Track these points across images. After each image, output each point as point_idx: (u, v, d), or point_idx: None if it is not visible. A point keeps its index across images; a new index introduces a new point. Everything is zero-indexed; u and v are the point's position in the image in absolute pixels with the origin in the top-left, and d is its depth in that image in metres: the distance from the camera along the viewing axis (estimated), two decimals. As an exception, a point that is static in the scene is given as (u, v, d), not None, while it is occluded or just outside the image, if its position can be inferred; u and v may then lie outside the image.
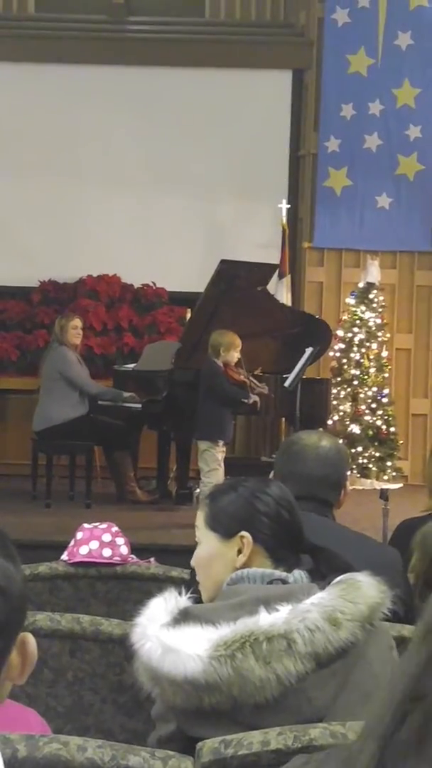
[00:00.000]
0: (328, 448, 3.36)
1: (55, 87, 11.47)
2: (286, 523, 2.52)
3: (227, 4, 11.76)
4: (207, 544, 2.53)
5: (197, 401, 8.60)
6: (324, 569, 2.45)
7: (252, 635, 2.17)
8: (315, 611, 2.20)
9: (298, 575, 2.44)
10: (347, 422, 10.56)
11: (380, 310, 10.86)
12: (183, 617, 2.26)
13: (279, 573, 2.44)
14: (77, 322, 9.36)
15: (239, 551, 2.48)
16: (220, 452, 8.41)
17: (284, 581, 2.41)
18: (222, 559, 2.50)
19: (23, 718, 1.99)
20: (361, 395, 10.62)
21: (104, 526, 4.03)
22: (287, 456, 3.36)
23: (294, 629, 2.18)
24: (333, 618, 2.21)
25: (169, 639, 2.20)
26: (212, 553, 2.52)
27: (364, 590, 2.28)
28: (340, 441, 10.22)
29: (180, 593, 2.35)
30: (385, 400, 10.60)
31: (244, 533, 2.48)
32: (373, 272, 10.89)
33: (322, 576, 2.42)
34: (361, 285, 10.94)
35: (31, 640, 1.49)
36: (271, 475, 3.34)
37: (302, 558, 2.53)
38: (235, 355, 8.49)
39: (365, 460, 10.40)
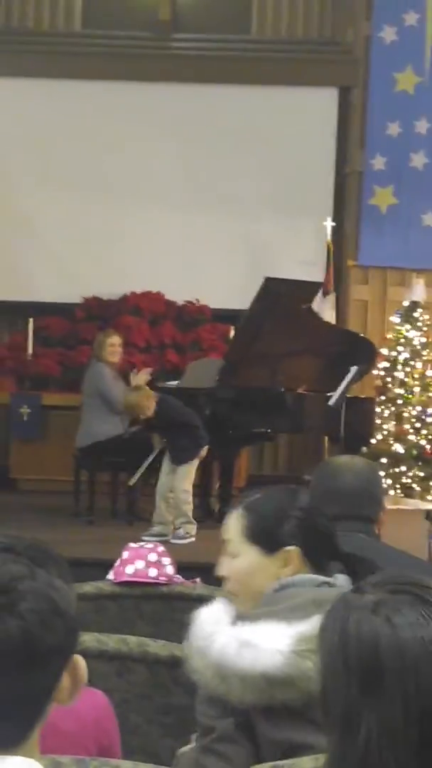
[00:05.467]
0: (362, 465, 3.42)
1: (101, 104, 11.51)
2: (323, 530, 2.54)
3: (274, 22, 11.76)
4: (247, 557, 2.52)
5: (241, 419, 8.59)
6: (359, 574, 2.44)
7: None
8: None
9: (342, 579, 2.46)
10: (391, 441, 10.49)
11: (425, 328, 10.80)
12: (241, 620, 2.25)
13: (324, 578, 2.45)
14: (115, 339, 9.37)
15: (284, 563, 2.48)
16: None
17: (331, 585, 2.42)
18: (264, 573, 2.49)
19: (88, 696, 1.95)
20: (406, 414, 10.55)
21: (150, 545, 4.02)
22: (323, 475, 3.39)
23: None
24: None
25: (247, 634, 2.20)
26: (254, 566, 2.51)
27: None
28: (384, 460, 10.24)
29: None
30: (431, 419, 10.51)
31: (290, 548, 2.49)
32: (419, 291, 10.84)
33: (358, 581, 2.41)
34: (406, 303, 10.88)
35: (81, 662, 1.52)
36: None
37: (333, 564, 2.54)
38: None
39: (409, 480, 10.33)
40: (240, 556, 2.54)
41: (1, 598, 1.43)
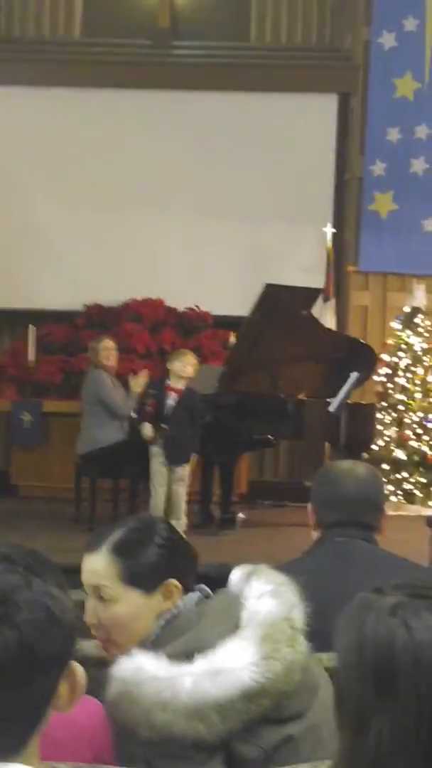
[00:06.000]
0: (364, 471, 3.38)
1: (101, 111, 11.53)
2: (186, 553, 2.54)
3: (273, 29, 11.78)
4: (129, 602, 2.44)
5: (241, 425, 8.61)
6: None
7: (274, 625, 2.23)
8: (284, 592, 2.31)
9: (205, 588, 2.50)
10: (392, 447, 10.49)
11: (426, 334, 10.81)
12: (196, 655, 2.22)
13: (197, 594, 2.47)
14: (107, 343, 9.40)
15: (165, 597, 2.45)
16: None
17: (207, 596, 2.46)
18: (148, 613, 2.44)
19: (84, 704, 1.95)
20: (407, 420, 10.56)
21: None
22: (325, 483, 3.36)
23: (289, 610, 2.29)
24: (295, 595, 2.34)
25: (213, 663, 2.17)
26: (138, 610, 2.44)
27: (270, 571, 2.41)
28: (385, 466, 10.22)
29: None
30: (432, 425, 10.53)
31: (171, 581, 2.45)
32: (419, 296, 10.85)
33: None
34: (406, 309, 10.89)
35: (79, 669, 1.53)
36: (309, 505, 3.35)
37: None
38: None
39: (411, 486, 10.33)
40: (120, 602, 2.44)
41: None
